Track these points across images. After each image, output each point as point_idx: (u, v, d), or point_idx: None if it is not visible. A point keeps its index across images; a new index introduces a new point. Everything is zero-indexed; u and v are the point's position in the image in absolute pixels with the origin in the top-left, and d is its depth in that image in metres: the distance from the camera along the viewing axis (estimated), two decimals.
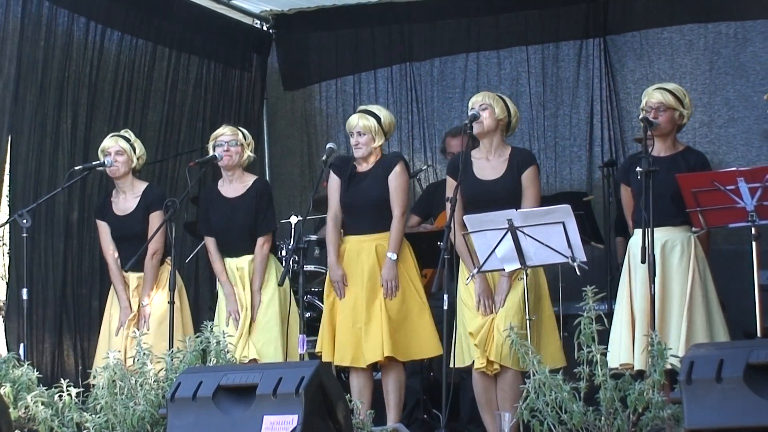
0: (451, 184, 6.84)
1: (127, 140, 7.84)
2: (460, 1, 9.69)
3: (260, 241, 7.53)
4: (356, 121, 7.26)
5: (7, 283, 8.49)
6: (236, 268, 7.53)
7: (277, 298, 7.46)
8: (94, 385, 6.74)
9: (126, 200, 7.84)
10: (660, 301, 6.43)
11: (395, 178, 7.16)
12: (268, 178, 8.16)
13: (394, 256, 7.05)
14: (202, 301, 9.16)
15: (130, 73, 9.17)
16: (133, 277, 7.70)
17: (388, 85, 10.01)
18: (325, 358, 7.11)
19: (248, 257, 7.54)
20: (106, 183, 8.29)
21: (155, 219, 7.65)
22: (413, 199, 8.66)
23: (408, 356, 7.14)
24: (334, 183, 7.31)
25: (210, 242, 7.67)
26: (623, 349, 6.47)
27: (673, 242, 6.58)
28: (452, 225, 6.45)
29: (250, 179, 7.69)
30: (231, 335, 6.97)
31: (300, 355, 7.02)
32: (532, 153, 7.36)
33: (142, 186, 7.87)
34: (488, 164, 6.92)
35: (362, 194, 7.19)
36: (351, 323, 7.10)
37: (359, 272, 7.14)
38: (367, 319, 7.05)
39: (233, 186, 7.64)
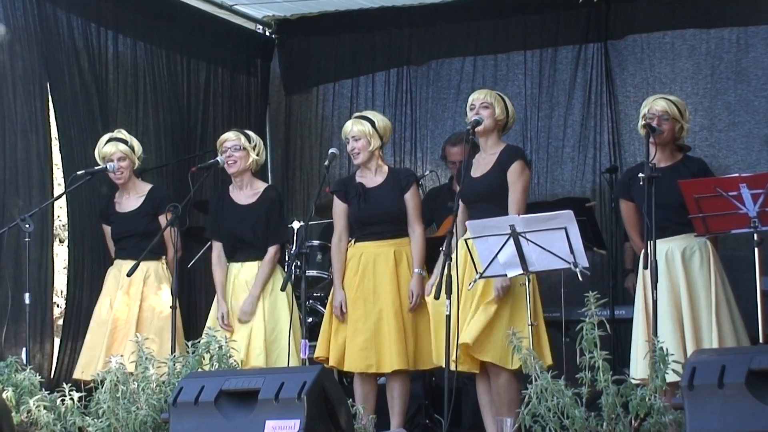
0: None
1: (125, 142, 7.81)
2: (460, 6, 9.68)
3: (271, 250, 7.50)
4: (350, 127, 7.28)
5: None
6: (245, 281, 7.49)
7: (284, 307, 7.43)
8: (87, 383, 6.75)
9: (130, 199, 7.86)
10: (689, 309, 6.45)
11: (412, 198, 7.22)
12: (270, 182, 8.15)
13: (423, 272, 7.09)
14: (198, 306, 9.11)
15: (151, 77, 9.17)
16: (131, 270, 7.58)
17: (385, 89, 10.01)
18: (330, 363, 7.08)
19: (255, 263, 7.51)
20: (111, 185, 8.25)
21: (164, 221, 7.65)
22: None
23: (417, 365, 7.12)
24: (338, 209, 7.29)
25: (216, 247, 7.64)
26: (639, 364, 6.42)
27: (692, 249, 6.60)
28: (454, 231, 6.45)
29: (261, 186, 7.66)
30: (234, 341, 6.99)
31: (302, 360, 7.02)
32: (521, 149, 7.35)
33: (146, 187, 7.91)
34: (482, 161, 6.94)
35: (377, 207, 7.18)
36: (364, 329, 7.08)
37: (376, 277, 7.12)
38: (387, 327, 7.03)
39: (244, 192, 7.62)
